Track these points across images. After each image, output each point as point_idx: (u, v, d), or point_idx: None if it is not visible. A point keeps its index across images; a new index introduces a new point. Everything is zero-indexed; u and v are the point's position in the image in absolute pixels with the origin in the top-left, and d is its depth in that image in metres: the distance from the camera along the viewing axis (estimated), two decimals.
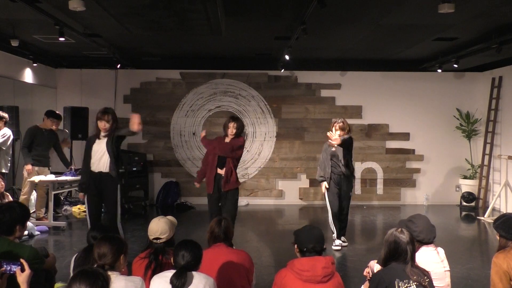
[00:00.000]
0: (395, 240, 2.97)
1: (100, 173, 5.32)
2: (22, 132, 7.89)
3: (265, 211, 9.54)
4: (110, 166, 5.29)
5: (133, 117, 5.21)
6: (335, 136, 5.95)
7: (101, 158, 5.31)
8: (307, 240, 3.09)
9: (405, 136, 10.18)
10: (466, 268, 5.59)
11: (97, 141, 5.36)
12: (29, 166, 7.28)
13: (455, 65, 8.46)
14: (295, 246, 3.18)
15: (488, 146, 9.64)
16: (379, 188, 10.15)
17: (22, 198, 7.37)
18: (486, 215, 8.65)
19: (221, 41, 7.85)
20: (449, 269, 3.51)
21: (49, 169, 7.71)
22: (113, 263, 2.87)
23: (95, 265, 2.85)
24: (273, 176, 10.13)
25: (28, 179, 7.37)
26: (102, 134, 5.35)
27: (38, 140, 7.39)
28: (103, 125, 5.30)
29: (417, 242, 3.41)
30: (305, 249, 3.08)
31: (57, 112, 8.00)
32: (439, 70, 9.29)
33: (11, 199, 6.65)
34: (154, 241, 3.55)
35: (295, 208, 9.76)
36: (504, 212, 8.77)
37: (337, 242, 6.35)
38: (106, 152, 5.29)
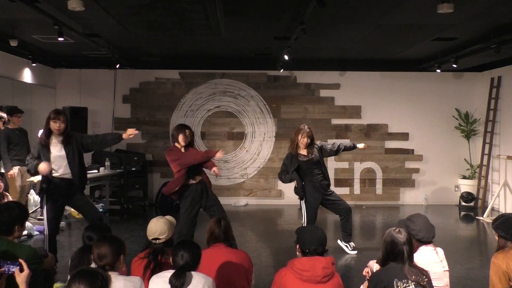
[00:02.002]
0: (392, 240, 2.98)
1: (63, 179, 5.13)
2: None
3: (264, 211, 9.54)
4: (78, 172, 5.16)
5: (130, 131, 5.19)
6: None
7: (64, 164, 5.10)
8: (310, 242, 3.09)
9: (404, 136, 10.19)
10: (465, 268, 5.59)
11: (53, 146, 5.09)
12: (11, 172, 7.19)
13: (454, 65, 8.46)
14: (297, 246, 3.19)
15: (487, 146, 9.65)
16: (378, 188, 10.16)
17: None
18: (485, 215, 8.66)
19: (220, 41, 7.85)
20: (448, 269, 3.51)
21: None
22: (114, 264, 2.87)
23: (95, 266, 2.85)
24: (272, 176, 10.13)
25: (28, 179, 7.37)
26: (58, 138, 5.08)
27: (14, 140, 7.29)
28: (57, 125, 5.02)
29: (416, 241, 3.41)
30: (307, 250, 3.09)
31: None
32: (438, 70, 9.28)
33: (10, 199, 6.65)
34: (153, 241, 3.54)
35: (294, 208, 9.75)
36: (503, 212, 8.78)
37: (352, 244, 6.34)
38: (69, 158, 5.10)
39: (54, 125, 5.02)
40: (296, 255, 3.23)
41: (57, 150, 5.09)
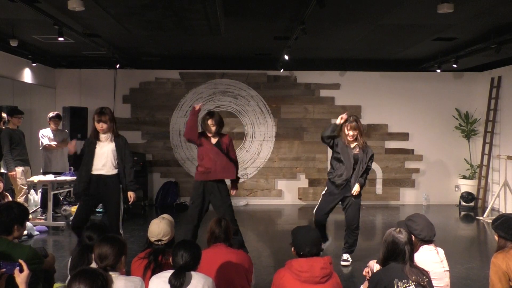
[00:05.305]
0: (393, 240, 2.98)
1: (100, 175, 5.21)
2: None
3: (264, 211, 9.54)
4: (114, 168, 5.26)
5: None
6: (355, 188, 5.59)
7: (104, 161, 5.21)
8: (304, 244, 3.07)
9: (404, 136, 10.19)
10: (465, 268, 5.59)
11: (99, 143, 5.23)
12: (13, 172, 7.21)
13: (454, 65, 8.46)
14: (292, 248, 3.18)
15: (487, 146, 9.65)
16: (379, 188, 10.16)
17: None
18: (485, 215, 8.66)
19: (220, 41, 7.85)
20: (448, 269, 3.51)
21: (30, 168, 7.68)
22: (115, 265, 2.88)
23: (97, 267, 2.85)
24: (272, 176, 10.13)
25: (27, 179, 7.37)
26: (102, 136, 5.23)
27: (16, 140, 7.31)
28: (100, 126, 5.18)
29: (418, 241, 3.42)
30: (301, 253, 3.07)
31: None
32: (438, 70, 9.29)
33: (10, 199, 6.65)
34: (156, 243, 3.54)
35: (294, 208, 9.76)
36: (503, 212, 8.77)
37: (345, 256, 5.76)
38: (110, 155, 5.22)
39: (98, 126, 5.20)
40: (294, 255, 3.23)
41: (99, 146, 5.32)
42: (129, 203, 5.38)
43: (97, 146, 5.21)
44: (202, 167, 5.58)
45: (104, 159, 5.20)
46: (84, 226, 5.23)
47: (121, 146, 5.26)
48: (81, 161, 5.26)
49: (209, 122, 5.52)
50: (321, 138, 5.87)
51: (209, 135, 5.59)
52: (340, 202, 5.78)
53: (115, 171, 5.25)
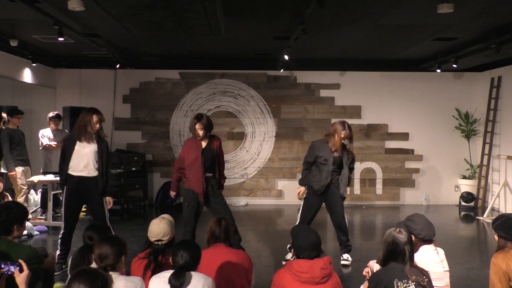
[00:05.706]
0: (393, 240, 2.98)
1: (81, 177, 5.11)
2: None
3: (264, 211, 9.54)
4: (95, 171, 5.15)
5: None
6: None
7: (86, 163, 5.11)
8: (303, 247, 3.06)
9: (404, 136, 10.19)
10: (465, 268, 5.59)
11: (80, 143, 5.09)
12: (13, 172, 7.20)
13: (454, 65, 8.46)
14: (292, 249, 3.17)
15: (487, 146, 9.65)
16: (378, 188, 10.15)
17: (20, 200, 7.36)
18: (485, 215, 8.66)
19: (220, 41, 7.85)
20: (448, 269, 3.51)
21: (30, 168, 7.68)
22: (115, 264, 2.87)
23: (97, 267, 2.85)
24: (272, 176, 10.13)
25: (27, 179, 7.37)
26: (91, 136, 5.10)
27: (16, 140, 7.30)
28: (98, 126, 5.10)
29: (419, 240, 3.42)
30: (301, 256, 3.07)
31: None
32: (438, 70, 9.29)
33: (10, 199, 6.65)
34: (156, 243, 3.54)
35: (294, 208, 9.73)
36: (503, 212, 8.78)
37: (345, 256, 5.75)
38: (92, 157, 5.12)
39: (95, 126, 5.14)
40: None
41: (81, 146, 5.21)
42: (108, 208, 5.30)
43: (77, 146, 5.08)
44: (188, 178, 5.50)
45: (86, 160, 5.10)
46: (74, 230, 5.23)
47: (103, 149, 5.19)
48: None
49: (197, 126, 5.41)
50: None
51: (198, 138, 5.50)
52: (324, 203, 5.78)
53: (96, 173, 5.16)
